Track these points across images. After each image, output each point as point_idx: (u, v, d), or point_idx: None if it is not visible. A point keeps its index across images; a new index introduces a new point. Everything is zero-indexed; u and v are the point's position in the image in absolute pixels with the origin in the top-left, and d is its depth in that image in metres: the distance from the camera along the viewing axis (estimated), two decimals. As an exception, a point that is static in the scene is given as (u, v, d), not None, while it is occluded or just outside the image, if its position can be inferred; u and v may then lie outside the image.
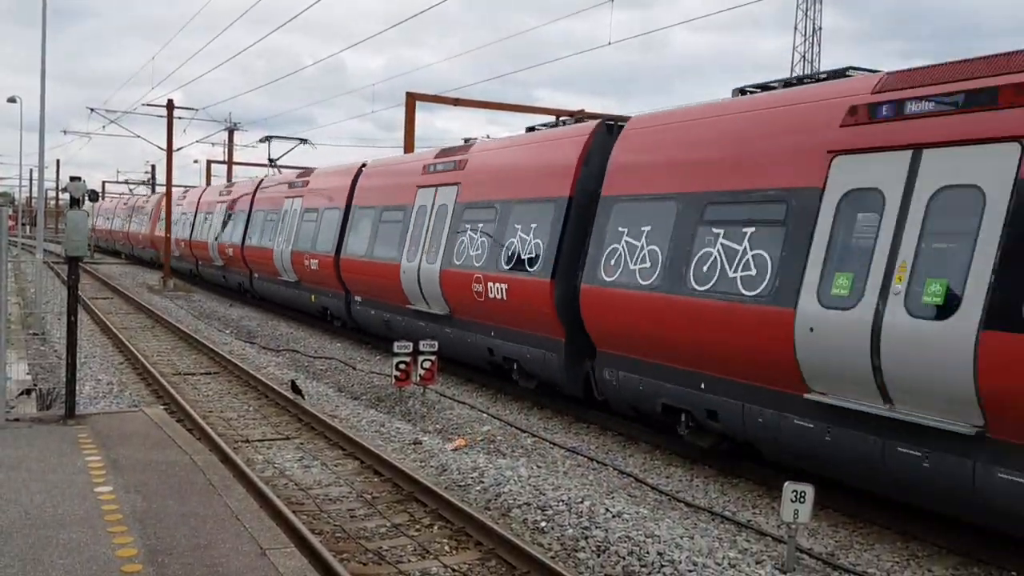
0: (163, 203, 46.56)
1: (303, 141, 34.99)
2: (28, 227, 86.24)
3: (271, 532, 6.64)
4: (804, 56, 76.35)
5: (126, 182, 78.13)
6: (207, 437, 10.84)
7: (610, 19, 19.64)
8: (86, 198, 10.44)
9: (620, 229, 11.77)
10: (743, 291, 9.57)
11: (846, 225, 8.66)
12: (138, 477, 7.87)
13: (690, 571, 7.12)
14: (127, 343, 18.71)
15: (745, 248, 9.71)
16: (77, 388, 10.75)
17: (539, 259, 13.33)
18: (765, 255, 9.40)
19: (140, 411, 11.06)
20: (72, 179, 10.02)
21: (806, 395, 8.80)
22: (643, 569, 7.20)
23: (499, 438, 12.14)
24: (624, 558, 7.40)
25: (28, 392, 12.11)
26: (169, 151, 38.43)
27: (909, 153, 8.17)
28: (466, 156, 16.46)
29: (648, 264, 11.06)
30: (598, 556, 7.52)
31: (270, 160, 33.97)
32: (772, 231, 9.37)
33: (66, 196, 10.39)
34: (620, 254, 11.65)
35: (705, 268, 10.17)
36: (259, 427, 12.24)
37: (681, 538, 7.86)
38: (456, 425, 12.96)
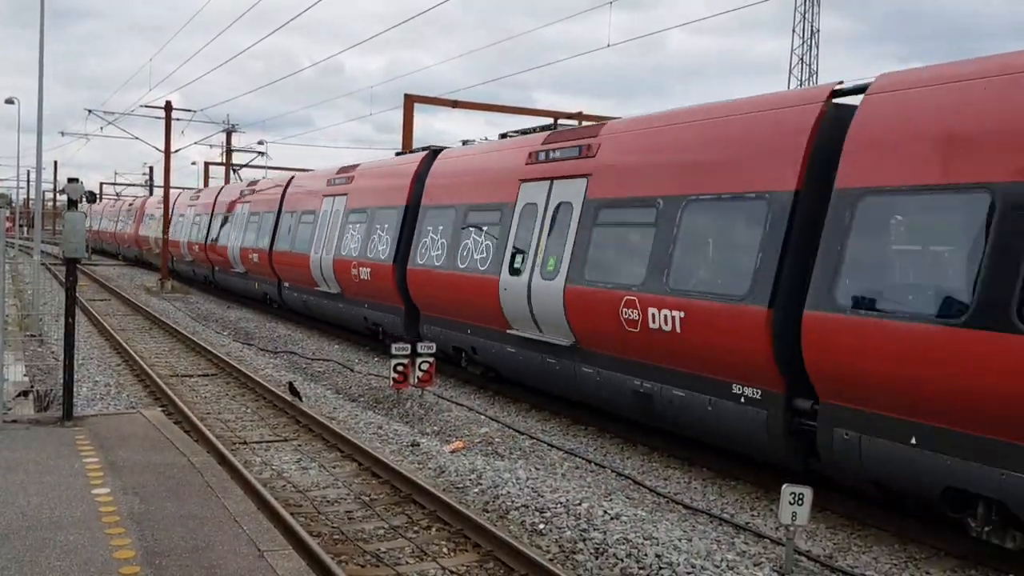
0: (145, 206, 51.32)
1: (261, 154, 43.32)
2: (26, 228, 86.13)
3: (269, 534, 6.63)
4: (803, 59, 76.45)
5: (113, 184, 78.40)
6: (205, 439, 10.82)
7: (609, 21, 19.61)
8: (84, 200, 10.43)
9: (428, 227, 17.07)
10: (479, 267, 14.94)
11: (522, 225, 13.92)
12: (136, 479, 7.86)
13: (688, 573, 7.11)
14: (125, 345, 18.69)
15: (482, 239, 14.94)
16: (75, 390, 10.73)
17: (387, 249, 18.45)
18: (490, 244, 14.70)
19: (138, 413, 11.06)
20: (70, 181, 10.00)
21: (508, 331, 14.15)
22: (641, 571, 7.20)
23: (497, 440, 12.14)
24: (622, 560, 7.40)
25: (25, 394, 12.09)
26: (167, 153, 38.41)
27: (548, 182, 13.50)
28: (353, 173, 21.81)
29: (439, 251, 16.34)
30: (596, 558, 7.52)
31: (234, 168, 38.58)
32: (494, 229, 14.69)
33: (63, 197, 10.39)
34: (427, 245, 16.85)
35: (464, 252, 15.53)
36: (257, 429, 12.23)
37: (679, 540, 7.85)
38: (454, 427, 12.96)
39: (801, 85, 72.60)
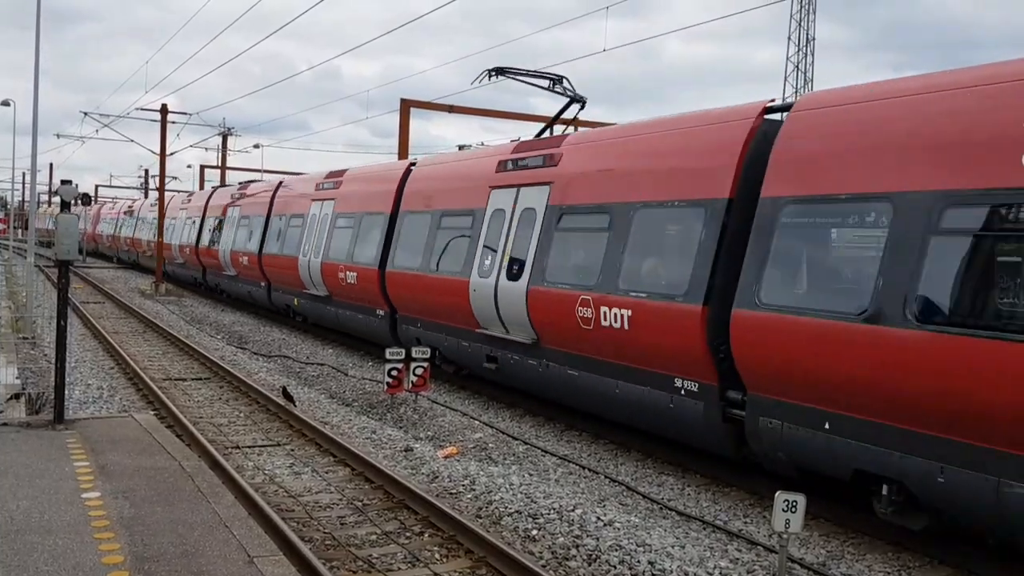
0: (101, 211, 62.45)
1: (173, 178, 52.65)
2: (20, 231, 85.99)
3: (259, 539, 6.59)
4: (798, 67, 76.58)
5: (109, 186, 79.83)
6: (197, 443, 10.77)
7: (605, 27, 19.67)
8: (78, 202, 10.39)
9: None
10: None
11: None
12: (126, 483, 7.81)
13: (681, 581, 7.08)
14: (118, 348, 18.62)
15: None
16: (67, 393, 10.69)
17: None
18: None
19: (130, 416, 11.00)
20: (63, 183, 9.97)
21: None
22: (634, 578, 7.16)
23: (491, 445, 12.10)
24: (615, 567, 7.37)
25: (17, 396, 12.03)
26: (162, 156, 38.35)
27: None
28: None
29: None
30: (589, 565, 7.49)
31: (146, 187, 46.15)
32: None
33: (57, 199, 10.36)
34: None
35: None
36: (250, 433, 12.18)
37: (672, 547, 7.83)
38: (448, 432, 12.91)
39: (797, 93, 72.80)
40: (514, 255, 13.55)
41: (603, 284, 11.42)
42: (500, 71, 15.83)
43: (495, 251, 14.07)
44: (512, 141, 15.98)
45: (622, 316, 11.02)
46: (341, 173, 22.41)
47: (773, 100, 10.21)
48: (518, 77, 16.01)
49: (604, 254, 11.58)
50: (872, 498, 8.37)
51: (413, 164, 19.19)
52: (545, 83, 16.02)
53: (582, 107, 16.17)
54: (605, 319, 11.29)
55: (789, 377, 8.87)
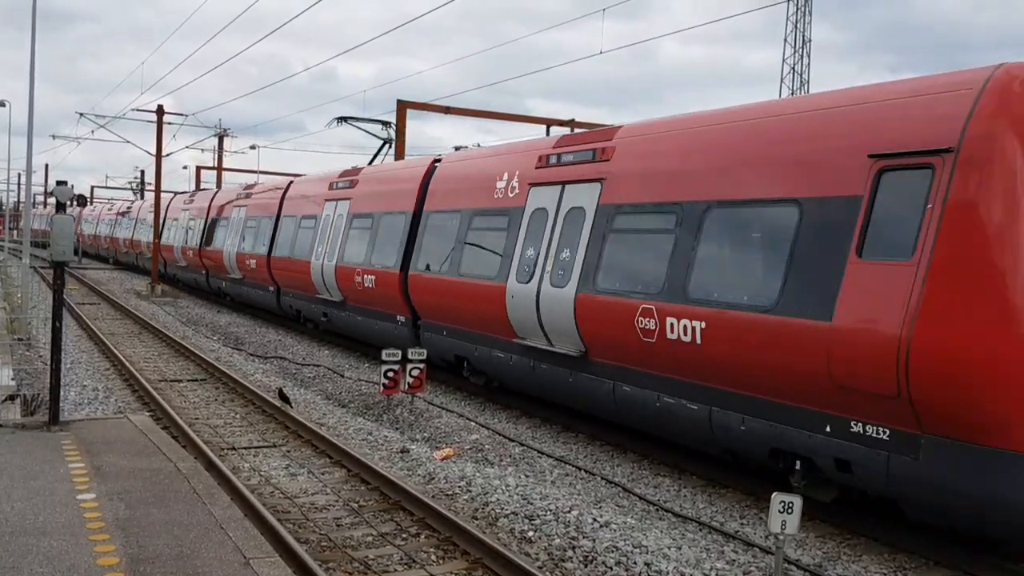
0: (82, 213, 67.36)
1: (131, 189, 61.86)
2: (15, 231, 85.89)
3: (255, 541, 6.58)
4: (794, 68, 76.72)
5: (105, 187, 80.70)
6: (193, 444, 10.74)
7: (601, 28, 19.93)
8: (74, 203, 10.37)
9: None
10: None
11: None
12: (122, 484, 7.80)
13: (678, 582, 7.07)
14: (113, 349, 18.59)
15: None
16: (62, 394, 10.66)
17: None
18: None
19: (125, 418, 10.99)
20: (58, 183, 9.94)
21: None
22: (630, 580, 7.16)
23: (487, 447, 12.09)
24: (611, 568, 7.36)
25: (12, 398, 11.99)
26: (158, 157, 38.30)
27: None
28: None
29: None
30: (585, 566, 7.48)
31: (142, 188, 54.01)
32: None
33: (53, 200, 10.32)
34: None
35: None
36: (246, 434, 12.16)
37: (669, 548, 7.82)
38: (444, 434, 12.90)
39: (792, 94, 72.94)
40: (330, 245, 20.67)
41: (366, 261, 18.61)
42: (344, 119, 24.44)
43: (325, 242, 21.04)
44: (353, 168, 22.30)
45: (374, 280, 18.16)
46: (252, 186, 30.90)
47: (440, 157, 17.91)
48: (358, 125, 24.96)
49: (367, 243, 18.77)
50: (462, 371, 15.56)
51: (292, 181, 26.20)
52: (378, 127, 25.17)
53: (390, 146, 24.55)
54: (368, 283, 18.45)
55: (430, 308, 16.22)
